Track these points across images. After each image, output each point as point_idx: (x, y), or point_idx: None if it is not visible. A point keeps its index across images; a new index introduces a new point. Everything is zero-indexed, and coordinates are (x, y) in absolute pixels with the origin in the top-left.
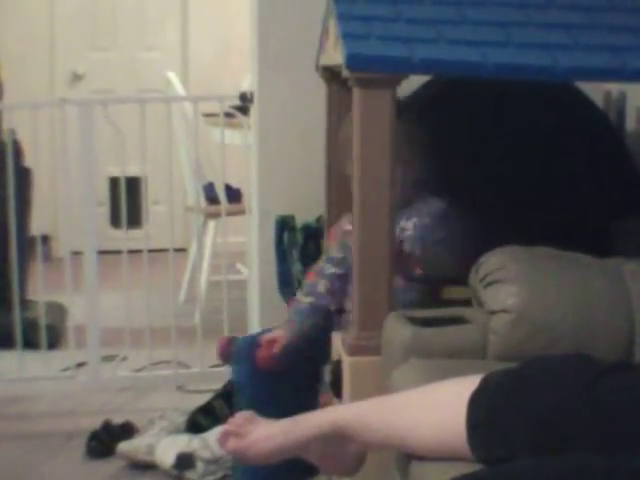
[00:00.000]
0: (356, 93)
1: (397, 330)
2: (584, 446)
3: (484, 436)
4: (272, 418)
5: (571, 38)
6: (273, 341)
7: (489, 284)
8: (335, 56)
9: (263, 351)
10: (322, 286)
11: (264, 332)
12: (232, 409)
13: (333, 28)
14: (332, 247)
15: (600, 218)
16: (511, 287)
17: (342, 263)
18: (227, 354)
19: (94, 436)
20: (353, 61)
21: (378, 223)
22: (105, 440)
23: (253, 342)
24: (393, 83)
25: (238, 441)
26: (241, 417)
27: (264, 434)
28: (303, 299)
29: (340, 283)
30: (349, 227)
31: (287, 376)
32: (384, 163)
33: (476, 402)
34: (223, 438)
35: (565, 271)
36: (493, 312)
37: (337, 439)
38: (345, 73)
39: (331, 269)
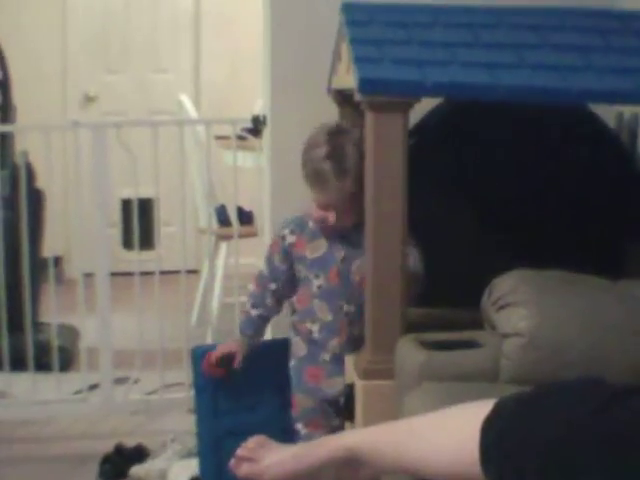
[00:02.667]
0: (369, 116)
1: (409, 354)
2: (598, 472)
3: (497, 461)
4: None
5: (584, 60)
6: (219, 356)
7: (501, 307)
8: (347, 79)
9: (206, 362)
10: (269, 299)
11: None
12: None
13: (345, 52)
14: (275, 256)
15: (613, 240)
16: (523, 310)
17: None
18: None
19: (107, 459)
20: (366, 85)
21: (390, 247)
22: (118, 463)
23: (204, 352)
24: (406, 106)
25: (251, 466)
26: (253, 442)
27: (277, 459)
28: (252, 311)
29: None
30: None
31: (247, 380)
32: (397, 186)
33: (489, 427)
34: (236, 464)
35: (577, 294)
36: (505, 335)
37: (350, 464)
38: (358, 97)
39: (272, 285)
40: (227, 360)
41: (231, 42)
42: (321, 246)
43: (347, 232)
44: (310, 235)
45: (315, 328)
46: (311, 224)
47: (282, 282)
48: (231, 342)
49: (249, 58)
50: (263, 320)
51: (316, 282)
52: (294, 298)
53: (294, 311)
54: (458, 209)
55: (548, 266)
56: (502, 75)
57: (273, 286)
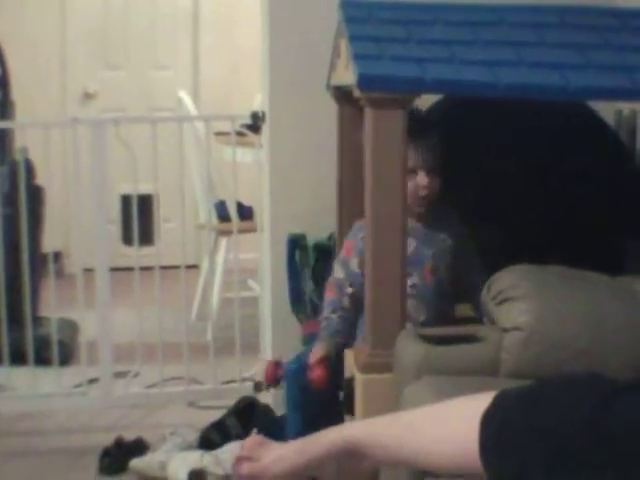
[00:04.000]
0: (368, 113)
1: (409, 348)
2: (600, 465)
3: (497, 453)
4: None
5: (583, 58)
6: (321, 361)
7: (501, 302)
8: (346, 76)
9: (316, 372)
10: (347, 302)
11: (302, 355)
12: (244, 426)
13: (344, 48)
14: (352, 260)
15: (614, 236)
16: (523, 305)
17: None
18: (274, 378)
19: (106, 452)
20: (365, 81)
21: (390, 241)
22: (117, 456)
23: (300, 365)
24: (404, 103)
25: (252, 466)
26: (252, 441)
27: (278, 455)
28: (332, 315)
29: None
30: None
31: (328, 392)
32: (396, 181)
33: (489, 419)
34: (237, 464)
35: (577, 289)
36: (505, 330)
37: (351, 455)
38: (357, 93)
39: (349, 289)
40: (326, 361)
41: (230, 38)
42: (409, 244)
43: (431, 230)
44: None
45: None
46: None
47: (359, 285)
48: (317, 348)
49: (248, 54)
50: (345, 321)
51: (409, 281)
52: None
53: None
54: (457, 205)
55: (548, 262)
56: (501, 72)
57: (350, 290)
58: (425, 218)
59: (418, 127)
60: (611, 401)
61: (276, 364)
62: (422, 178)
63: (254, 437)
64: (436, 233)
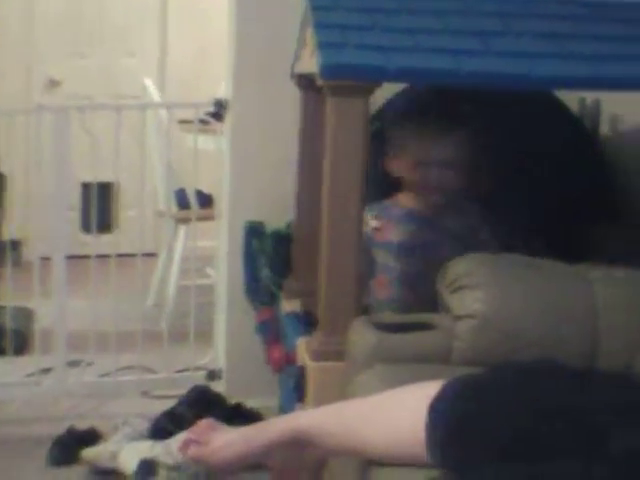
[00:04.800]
0: (329, 101)
1: (362, 336)
2: (561, 451)
3: (443, 442)
4: None
5: (548, 47)
6: None
7: (455, 290)
8: (311, 64)
9: None
10: None
11: None
12: (197, 415)
13: (310, 36)
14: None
15: (574, 223)
16: (477, 293)
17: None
18: None
19: (58, 442)
20: (328, 70)
21: (347, 229)
22: (69, 446)
23: None
24: (367, 91)
25: (200, 449)
26: (203, 425)
27: (225, 441)
28: None
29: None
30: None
31: None
32: (356, 170)
33: (436, 408)
34: (184, 446)
35: (532, 277)
36: (459, 317)
37: (298, 445)
38: (320, 81)
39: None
40: None
41: (198, 25)
42: (403, 231)
43: (434, 218)
44: (397, 220)
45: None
46: (397, 210)
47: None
48: None
49: (216, 41)
50: None
51: (397, 267)
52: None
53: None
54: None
55: (511, 249)
56: (466, 61)
57: None
58: (438, 207)
59: (436, 119)
60: (562, 387)
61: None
62: (434, 171)
63: (205, 421)
64: (440, 221)
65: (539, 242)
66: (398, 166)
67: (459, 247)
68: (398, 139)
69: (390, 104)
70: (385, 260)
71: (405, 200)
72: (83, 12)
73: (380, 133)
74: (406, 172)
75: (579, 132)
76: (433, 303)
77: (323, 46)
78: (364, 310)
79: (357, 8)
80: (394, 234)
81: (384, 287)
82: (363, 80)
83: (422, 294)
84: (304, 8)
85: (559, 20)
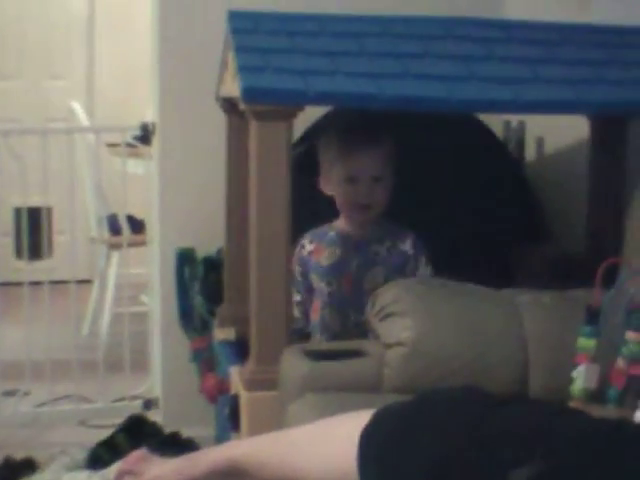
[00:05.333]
0: (252, 125)
1: (293, 365)
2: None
3: (374, 472)
4: None
5: (467, 70)
6: None
7: (384, 317)
8: (233, 88)
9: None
10: (297, 311)
11: None
12: (133, 444)
13: (231, 60)
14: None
15: (500, 246)
16: (405, 320)
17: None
18: None
19: None
20: (249, 94)
21: (274, 256)
22: (6, 476)
23: None
24: (289, 115)
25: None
26: (135, 456)
27: (159, 472)
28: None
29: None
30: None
31: None
32: (281, 193)
33: (366, 437)
34: (118, 477)
35: (460, 303)
36: (389, 345)
37: (232, 475)
38: (242, 105)
39: (296, 296)
40: None
41: (125, 48)
42: (334, 253)
43: (364, 242)
44: (327, 243)
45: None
46: (330, 233)
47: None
48: None
49: (143, 65)
50: (301, 335)
51: (327, 289)
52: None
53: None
54: None
55: (438, 274)
56: (386, 84)
57: (298, 298)
58: (366, 228)
59: (360, 134)
60: (482, 420)
61: None
62: (362, 186)
63: (138, 451)
64: (370, 245)
65: (463, 263)
66: (328, 185)
67: (388, 272)
68: (326, 157)
69: (318, 123)
70: (318, 284)
71: (341, 223)
72: (7, 34)
73: (311, 153)
74: (336, 190)
75: (502, 154)
76: (362, 327)
77: (243, 70)
78: (304, 334)
79: (278, 31)
80: (324, 257)
81: (316, 310)
82: (283, 104)
83: (350, 319)
84: (225, 31)
85: (478, 43)
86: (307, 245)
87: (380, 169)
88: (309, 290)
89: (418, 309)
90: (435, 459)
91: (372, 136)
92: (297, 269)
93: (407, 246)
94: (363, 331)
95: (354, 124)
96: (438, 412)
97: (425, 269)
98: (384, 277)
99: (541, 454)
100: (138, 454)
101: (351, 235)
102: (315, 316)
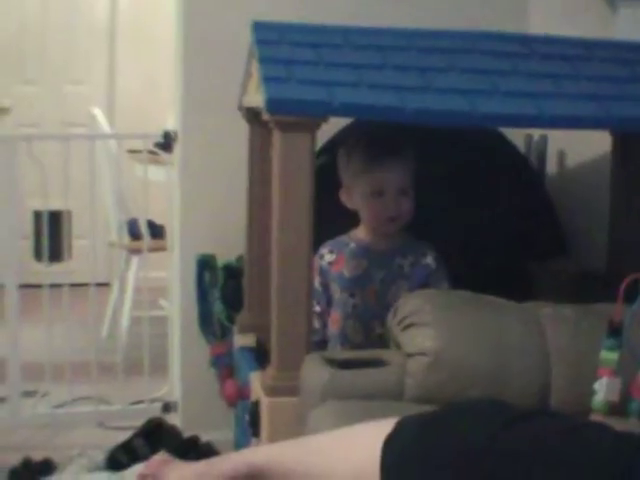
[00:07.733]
0: (276, 136)
1: (314, 372)
2: None
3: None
4: None
5: (490, 84)
6: None
7: (406, 327)
8: (257, 98)
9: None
10: (316, 323)
11: None
12: (152, 447)
13: (255, 70)
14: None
15: (520, 260)
16: (428, 330)
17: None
18: None
19: (13, 473)
20: (273, 104)
21: (297, 264)
22: (25, 477)
23: None
24: (313, 126)
25: None
26: (157, 460)
27: (179, 476)
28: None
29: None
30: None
31: None
32: (304, 205)
33: (390, 445)
34: None
35: (482, 315)
36: (410, 355)
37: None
38: (265, 116)
39: (315, 307)
40: None
41: (147, 54)
42: (360, 265)
43: (388, 255)
44: (349, 254)
45: None
46: (351, 244)
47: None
48: None
49: (164, 71)
50: (321, 347)
51: (351, 301)
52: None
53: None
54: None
55: (459, 287)
56: (409, 97)
57: (318, 308)
58: (388, 241)
59: (385, 147)
60: (502, 432)
61: None
62: (389, 199)
63: (160, 455)
64: (394, 258)
65: (482, 278)
66: (350, 198)
67: (412, 286)
68: (349, 171)
69: (340, 135)
70: (339, 295)
71: (361, 234)
72: (30, 39)
73: (331, 166)
74: (361, 204)
75: (524, 168)
76: (382, 339)
77: (268, 80)
78: (323, 344)
79: (302, 43)
80: (346, 268)
81: (336, 321)
82: (307, 115)
83: (375, 331)
84: (250, 41)
85: (502, 57)
86: (326, 255)
87: (405, 182)
88: (328, 301)
89: (440, 319)
90: (455, 469)
91: (397, 149)
92: (317, 279)
93: (429, 260)
94: (385, 343)
95: (378, 137)
96: (460, 423)
97: (446, 283)
98: (408, 291)
99: (557, 470)
100: (160, 458)
101: (371, 247)
102: (334, 327)
